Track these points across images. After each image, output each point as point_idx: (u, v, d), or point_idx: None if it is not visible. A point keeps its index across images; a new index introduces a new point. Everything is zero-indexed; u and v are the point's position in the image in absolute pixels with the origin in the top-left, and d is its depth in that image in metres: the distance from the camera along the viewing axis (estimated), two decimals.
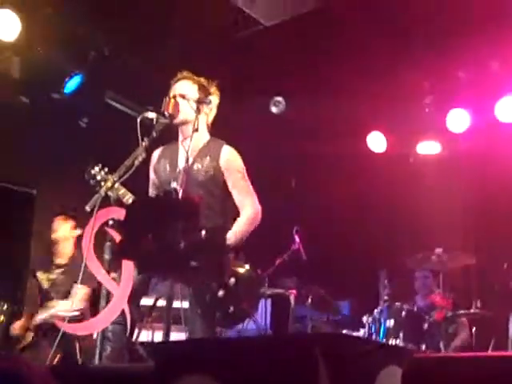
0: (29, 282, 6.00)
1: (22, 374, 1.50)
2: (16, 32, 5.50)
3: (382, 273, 5.98)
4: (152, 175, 4.11)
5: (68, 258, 5.65)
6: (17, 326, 5.51)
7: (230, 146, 4.06)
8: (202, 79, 4.08)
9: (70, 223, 5.70)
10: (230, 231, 3.79)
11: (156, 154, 4.12)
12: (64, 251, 5.65)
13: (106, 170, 3.91)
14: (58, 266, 5.64)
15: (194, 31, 6.04)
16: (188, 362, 2.27)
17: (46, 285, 5.60)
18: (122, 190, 3.77)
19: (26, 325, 5.47)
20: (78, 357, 5.14)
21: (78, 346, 5.21)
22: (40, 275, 5.65)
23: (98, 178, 3.91)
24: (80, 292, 5.33)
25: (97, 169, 3.95)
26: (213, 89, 4.08)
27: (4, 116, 6.10)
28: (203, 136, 4.04)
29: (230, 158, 3.98)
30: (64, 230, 5.70)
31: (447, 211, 6.95)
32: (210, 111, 4.09)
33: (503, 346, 5.46)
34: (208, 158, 3.95)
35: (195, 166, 3.90)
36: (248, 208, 3.94)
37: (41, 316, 5.42)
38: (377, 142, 7.21)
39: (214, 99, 4.04)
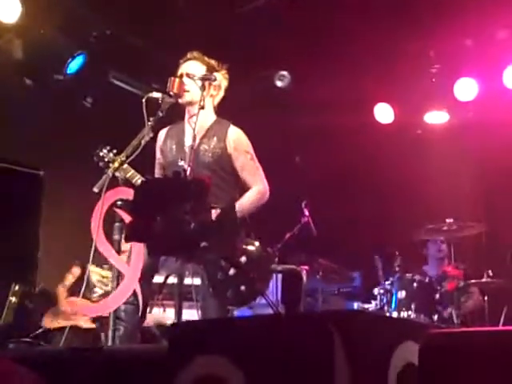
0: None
1: None
2: (17, 14, 5.47)
3: (392, 245, 5.97)
4: (158, 155, 4.10)
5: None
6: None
7: (236, 126, 4.04)
8: (213, 61, 4.05)
9: None
10: (237, 202, 3.79)
11: (162, 133, 4.10)
12: None
13: (115, 151, 3.90)
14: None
15: (196, 8, 5.98)
16: (201, 342, 2.27)
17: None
18: (131, 172, 3.77)
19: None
20: None
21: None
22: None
23: (106, 159, 3.91)
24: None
25: (105, 150, 3.95)
26: (222, 71, 4.04)
27: (8, 98, 6.07)
28: (209, 116, 4.02)
29: (237, 139, 3.97)
30: None
31: (457, 180, 6.91)
32: (217, 93, 4.07)
33: None
34: (215, 138, 3.93)
35: (202, 147, 3.88)
36: (257, 184, 3.96)
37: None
38: (384, 113, 7.15)
39: (220, 77, 3.99)
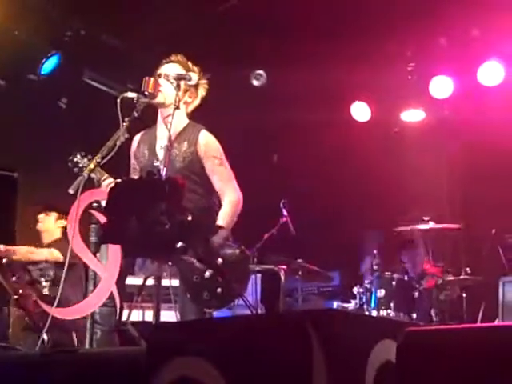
0: None
1: None
2: None
3: (371, 243, 5.99)
4: (132, 160, 4.08)
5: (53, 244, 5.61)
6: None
7: (212, 126, 4.01)
8: (196, 68, 4.00)
9: (53, 215, 5.67)
10: (218, 218, 3.77)
11: (136, 139, 4.08)
12: (50, 239, 5.62)
13: (90, 157, 3.85)
14: None
15: (171, 7, 5.95)
16: (179, 344, 2.26)
17: (32, 269, 5.55)
18: (105, 175, 3.72)
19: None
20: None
21: (75, 336, 5.17)
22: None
23: (81, 165, 3.85)
24: None
25: (79, 156, 3.90)
26: (203, 81, 4.01)
27: None
28: (182, 120, 3.98)
29: (206, 144, 3.93)
30: (48, 223, 5.68)
31: (433, 178, 6.95)
32: (192, 101, 4.03)
33: (493, 310, 5.50)
34: (186, 143, 3.90)
35: (173, 152, 3.84)
36: (229, 194, 3.90)
37: None
38: (361, 111, 7.18)
39: (195, 78, 3.95)
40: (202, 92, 4.05)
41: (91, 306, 3.57)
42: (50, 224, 5.72)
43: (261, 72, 6.86)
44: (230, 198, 3.88)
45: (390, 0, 5.82)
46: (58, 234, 5.74)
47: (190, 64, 4.01)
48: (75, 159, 3.91)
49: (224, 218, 3.80)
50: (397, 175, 6.93)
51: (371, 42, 6.14)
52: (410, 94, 6.85)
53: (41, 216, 5.78)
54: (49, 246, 5.64)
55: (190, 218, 2.78)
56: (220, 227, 3.63)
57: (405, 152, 7.02)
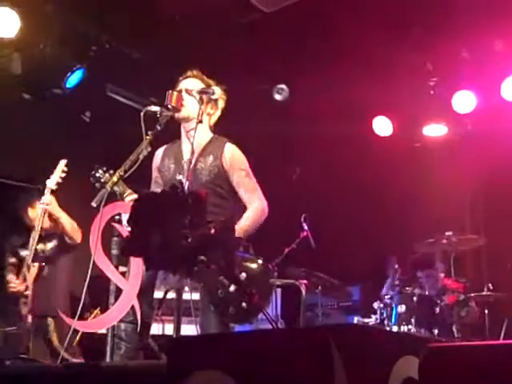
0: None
1: None
2: (16, 29, 5.48)
3: (392, 258, 5.95)
4: (156, 174, 4.09)
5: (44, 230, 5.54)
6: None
7: (235, 140, 4.03)
8: (211, 81, 4.05)
9: (36, 206, 5.65)
10: (236, 225, 3.77)
11: (159, 153, 4.09)
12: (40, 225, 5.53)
13: (111, 171, 3.88)
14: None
15: (193, 22, 5.99)
16: (200, 357, 2.25)
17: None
18: (128, 191, 3.75)
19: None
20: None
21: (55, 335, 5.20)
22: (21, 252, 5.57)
23: (102, 180, 3.87)
24: None
25: (101, 171, 3.92)
26: (220, 92, 4.04)
27: (6, 113, 6.07)
28: (206, 134, 4.01)
29: (232, 157, 3.96)
30: (34, 214, 5.67)
31: (456, 193, 6.90)
32: (214, 112, 4.06)
33: None
34: (211, 156, 3.92)
35: (198, 166, 3.87)
36: (255, 203, 3.93)
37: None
38: (382, 125, 7.16)
39: (218, 92, 3.98)
40: (221, 104, 4.08)
41: (112, 318, 3.59)
42: (35, 214, 5.65)
43: (283, 86, 6.88)
44: (255, 205, 3.91)
45: (411, 14, 5.81)
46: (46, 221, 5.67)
47: (205, 77, 4.05)
48: (97, 174, 3.93)
49: (246, 223, 3.81)
50: (418, 190, 6.89)
51: (393, 57, 6.13)
52: (433, 109, 6.82)
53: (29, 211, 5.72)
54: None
55: (212, 232, 2.78)
56: (239, 239, 3.64)
57: (427, 167, 6.99)
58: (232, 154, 3.97)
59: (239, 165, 3.97)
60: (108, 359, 3.50)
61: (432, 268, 6.16)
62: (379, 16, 5.89)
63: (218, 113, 4.10)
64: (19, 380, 2.33)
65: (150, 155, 3.89)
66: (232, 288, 3.45)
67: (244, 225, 3.82)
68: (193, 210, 2.62)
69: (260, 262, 3.64)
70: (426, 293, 5.71)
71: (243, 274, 3.46)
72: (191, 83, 4.00)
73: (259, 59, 6.38)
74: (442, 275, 5.81)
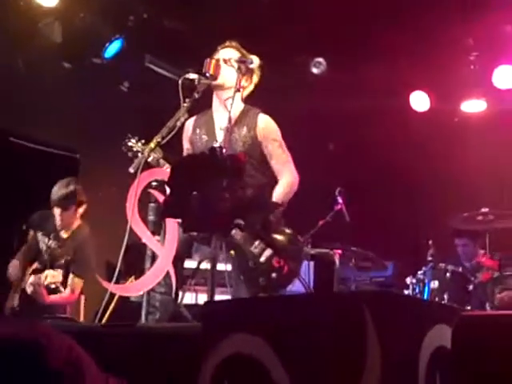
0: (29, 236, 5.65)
1: (40, 346, 1.40)
2: None
3: (426, 233, 5.91)
4: (187, 145, 4.12)
5: (71, 232, 5.27)
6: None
7: (270, 113, 4.04)
8: (248, 53, 4.04)
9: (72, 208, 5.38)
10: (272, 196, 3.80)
11: (189, 124, 4.10)
12: (69, 227, 5.24)
13: (143, 141, 3.92)
14: (58, 239, 5.23)
15: None
16: (234, 320, 2.28)
17: (43, 249, 5.22)
18: (162, 161, 3.78)
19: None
20: None
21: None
22: (40, 236, 5.25)
23: (135, 149, 3.92)
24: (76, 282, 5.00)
25: (133, 140, 3.96)
26: (258, 62, 4.03)
27: (47, 81, 6.16)
28: (238, 105, 4.02)
29: (266, 127, 3.97)
30: (67, 217, 5.21)
31: (494, 170, 6.81)
32: (248, 85, 4.06)
33: None
34: (245, 127, 3.94)
35: (232, 137, 3.89)
36: (286, 175, 3.96)
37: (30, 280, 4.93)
38: (420, 100, 7.08)
39: (256, 62, 3.98)
40: (255, 78, 4.08)
41: (148, 283, 3.65)
42: (68, 217, 5.19)
43: (320, 60, 6.83)
44: (286, 179, 3.94)
45: None
46: (76, 222, 5.32)
47: (242, 49, 4.05)
48: (129, 143, 3.97)
49: (277, 196, 3.83)
50: (456, 166, 6.82)
51: (432, 31, 6.04)
52: (472, 84, 6.72)
53: (57, 211, 5.18)
54: (66, 239, 5.23)
55: (249, 195, 2.81)
56: (276, 204, 3.67)
57: (465, 143, 6.91)
58: (265, 124, 3.99)
59: (273, 135, 3.99)
60: (143, 321, 3.58)
61: (470, 238, 6.12)
62: None
63: (251, 87, 4.10)
64: None
65: (183, 126, 3.92)
66: (263, 258, 3.49)
67: (274, 197, 3.84)
68: (231, 173, 2.65)
69: (288, 231, 3.67)
70: (460, 269, 5.67)
71: (277, 237, 3.49)
72: (229, 53, 4.01)
73: (297, 32, 6.33)
74: (482, 252, 5.76)
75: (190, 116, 3.97)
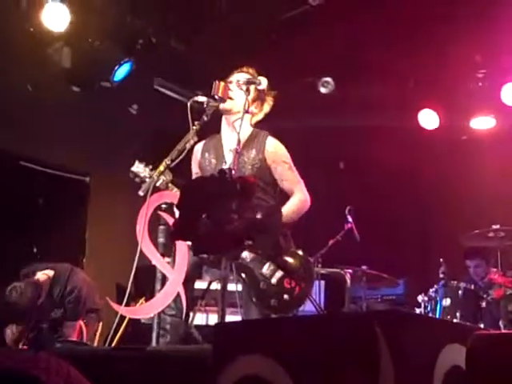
0: None
1: (41, 380, 1.41)
2: (66, 23, 5.59)
3: (437, 251, 5.88)
4: (196, 170, 4.12)
5: None
6: None
7: (280, 133, 4.05)
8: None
9: None
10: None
11: (198, 148, 4.10)
12: None
13: (151, 167, 3.90)
14: None
15: (240, 14, 6.02)
16: (245, 342, 2.27)
17: None
18: (171, 184, 3.77)
19: None
20: None
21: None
22: None
23: (142, 174, 3.88)
24: None
25: (141, 166, 3.92)
26: (269, 98, 4.05)
27: (56, 105, 6.20)
28: (247, 128, 4.02)
29: (275, 150, 3.99)
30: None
31: (503, 187, 6.79)
32: (258, 112, 4.07)
33: None
34: (254, 150, 3.94)
35: (241, 159, 3.89)
36: (297, 194, 3.97)
37: None
38: (429, 118, 7.07)
39: (265, 84, 3.99)
40: (266, 108, 4.10)
41: (158, 305, 3.64)
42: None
43: (328, 79, 6.85)
44: (297, 197, 3.95)
45: (459, 5, 5.73)
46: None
47: (257, 76, 4.06)
48: (136, 169, 3.90)
49: (287, 213, 3.81)
50: (465, 183, 6.80)
51: (440, 48, 6.05)
52: (481, 101, 6.71)
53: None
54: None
55: (259, 217, 2.81)
56: (286, 225, 3.66)
57: (474, 160, 6.90)
58: (274, 147, 4.00)
59: (282, 158, 3.99)
60: (154, 344, 3.56)
61: (482, 258, 6.08)
62: (428, 8, 5.81)
63: (261, 116, 4.11)
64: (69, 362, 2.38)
65: (192, 148, 3.93)
66: (274, 280, 3.49)
67: (285, 211, 3.83)
68: (240, 195, 2.65)
69: (299, 253, 3.66)
70: (472, 286, 5.63)
71: (288, 259, 3.48)
72: (241, 76, 4.03)
73: (305, 52, 6.36)
74: (494, 270, 5.72)
75: (200, 139, 3.97)
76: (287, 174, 3.99)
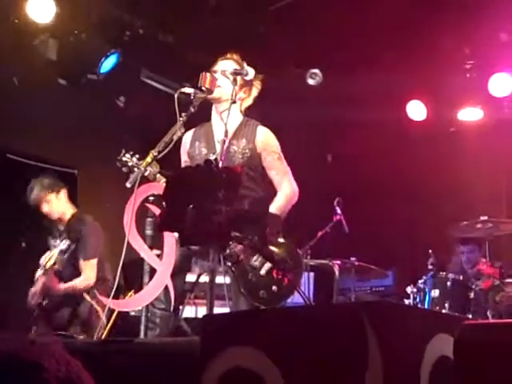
0: None
1: (39, 365, 1.42)
2: (51, 14, 5.55)
3: (426, 243, 5.90)
4: (185, 158, 4.10)
5: (66, 223, 5.25)
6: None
7: (268, 124, 4.05)
8: (250, 68, 4.04)
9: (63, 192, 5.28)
10: (270, 208, 3.80)
11: (187, 137, 4.10)
12: (62, 217, 5.26)
13: (137, 156, 3.89)
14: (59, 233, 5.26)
15: (227, 5, 5.99)
16: (233, 334, 2.27)
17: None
18: (158, 175, 3.76)
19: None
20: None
21: None
22: (50, 241, 5.31)
23: (130, 164, 3.87)
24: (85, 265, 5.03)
25: (128, 156, 3.91)
26: (257, 81, 4.04)
27: (43, 97, 6.16)
28: (237, 117, 4.02)
29: (265, 140, 3.99)
30: (52, 208, 5.21)
31: (491, 178, 6.82)
32: (247, 97, 4.06)
33: None
34: (244, 139, 3.94)
35: (231, 149, 3.89)
36: (285, 187, 3.97)
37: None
38: (416, 110, 7.08)
39: (252, 73, 3.98)
40: (254, 92, 4.09)
41: (147, 297, 3.63)
42: (54, 207, 5.19)
43: (316, 71, 6.84)
44: (285, 191, 3.94)
45: None
46: (70, 210, 5.28)
47: (241, 62, 4.05)
48: (124, 158, 3.91)
49: (275, 207, 3.83)
50: (453, 175, 6.82)
51: (428, 39, 6.05)
52: (468, 93, 6.73)
53: (42, 208, 5.17)
54: (68, 225, 5.21)
55: (246, 207, 2.80)
56: (273, 216, 3.66)
57: (462, 152, 6.91)
58: (265, 136, 3.99)
59: (272, 148, 4.00)
60: (142, 336, 3.55)
61: (475, 244, 6.10)
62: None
63: (250, 100, 4.11)
64: None
65: (179, 140, 3.92)
66: (263, 271, 3.49)
67: (275, 208, 3.84)
68: (227, 186, 2.64)
69: (287, 243, 3.67)
70: (461, 277, 5.65)
71: (274, 249, 3.48)
72: (227, 65, 4.01)
73: (293, 44, 6.35)
74: (484, 260, 5.74)
75: (186, 130, 3.96)
76: (276, 165, 3.99)
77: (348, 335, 2.01)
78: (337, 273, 5.94)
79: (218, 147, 3.87)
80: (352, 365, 1.98)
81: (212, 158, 3.72)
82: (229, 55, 4.09)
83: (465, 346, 1.96)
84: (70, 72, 6.24)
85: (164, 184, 3.60)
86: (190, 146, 4.08)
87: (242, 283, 3.57)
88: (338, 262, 6.02)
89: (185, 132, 3.89)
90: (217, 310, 3.40)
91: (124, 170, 3.89)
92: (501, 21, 5.97)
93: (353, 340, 1.99)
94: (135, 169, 3.79)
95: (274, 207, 3.85)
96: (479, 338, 1.95)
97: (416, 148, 6.94)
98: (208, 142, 4.00)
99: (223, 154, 3.67)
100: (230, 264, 3.56)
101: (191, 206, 2.61)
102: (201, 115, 4.03)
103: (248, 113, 4.14)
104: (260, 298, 3.55)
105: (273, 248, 3.60)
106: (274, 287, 3.54)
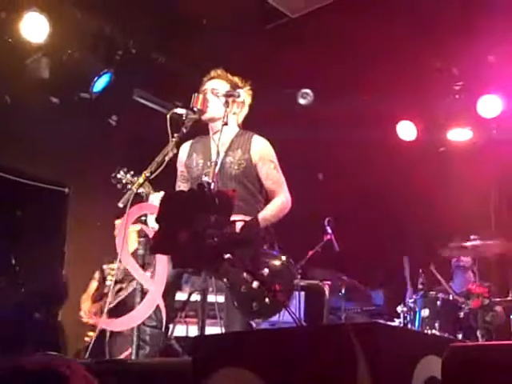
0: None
1: (66, 376, 1.63)
2: (44, 33, 5.58)
3: (416, 262, 5.93)
4: (182, 169, 4.13)
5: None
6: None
7: (260, 136, 4.08)
8: (236, 78, 4.10)
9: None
10: (259, 214, 3.83)
11: (185, 148, 4.13)
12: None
13: (132, 173, 3.92)
14: None
15: (219, 25, 6.04)
16: (225, 355, 2.28)
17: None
18: (153, 192, 3.78)
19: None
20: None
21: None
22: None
23: (124, 181, 3.90)
24: None
25: (122, 173, 3.94)
26: (246, 88, 4.09)
27: (35, 116, 6.17)
28: (233, 129, 4.06)
29: (261, 149, 4.02)
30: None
31: (480, 198, 6.86)
32: (241, 110, 4.11)
33: None
34: (239, 150, 3.97)
35: (227, 160, 3.93)
36: (280, 195, 4.01)
37: None
38: (406, 130, 7.14)
39: (244, 94, 4.03)
40: (247, 100, 4.13)
41: (138, 317, 3.63)
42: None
43: (307, 91, 6.89)
44: (280, 198, 3.99)
45: (436, 17, 5.80)
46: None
47: (229, 76, 4.10)
48: (118, 175, 3.95)
49: (268, 213, 3.86)
50: (443, 195, 6.86)
51: (418, 61, 6.12)
52: (457, 113, 6.78)
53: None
54: None
55: (238, 231, 2.83)
56: (266, 236, 3.68)
57: (451, 172, 6.96)
58: (261, 146, 4.04)
59: (268, 157, 4.04)
60: (134, 357, 3.55)
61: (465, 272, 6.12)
62: (404, 20, 5.87)
63: (246, 110, 4.15)
64: None
65: (175, 157, 3.95)
66: (255, 284, 3.49)
67: (266, 214, 3.87)
68: (219, 210, 2.67)
69: (284, 258, 3.67)
70: (450, 297, 5.68)
71: (265, 270, 3.50)
72: (217, 84, 4.05)
73: (284, 64, 6.40)
74: (473, 279, 5.77)
75: (179, 150, 3.99)
76: (272, 174, 4.03)
77: (338, 356, 2.03)
78: (327, 293, 5.95)
79: (212, 166, 3.90)
80: None
81: (204, 179, 3.76)
82: (213, 73, 4.13)
83: (452, 368, 1.98)
84: (62, 91, 6.27)
85: (155, 204, 3.63)
86: (187, 157, 4.11)
87: (235, 296, 3.56)
88: (329, 282, 6.04)
89: (177, 153, 3.91)
90: (208, 329, 3.41)
91: (118, 186, 3.93)
92: (489, 42, 6.04)
93: (343, 361, 2.01)
94: (129, 185, 3.81)
95: (267, 212, 3.88)
96: (467, 359, 1.97)
97: (406, 167, 6.98)
98: (205, 158, 4.03)
99: (214, 176, 3.69)
100: (223, 277, 3.57)
101: (184, 228, 2.64)
102: (196, 131, 4.07)
103: (243, 126, 4.17)
104: (252, 310, 3.54)
105: (270, 260, 3.60)
106: (266, 300, 3.54)
